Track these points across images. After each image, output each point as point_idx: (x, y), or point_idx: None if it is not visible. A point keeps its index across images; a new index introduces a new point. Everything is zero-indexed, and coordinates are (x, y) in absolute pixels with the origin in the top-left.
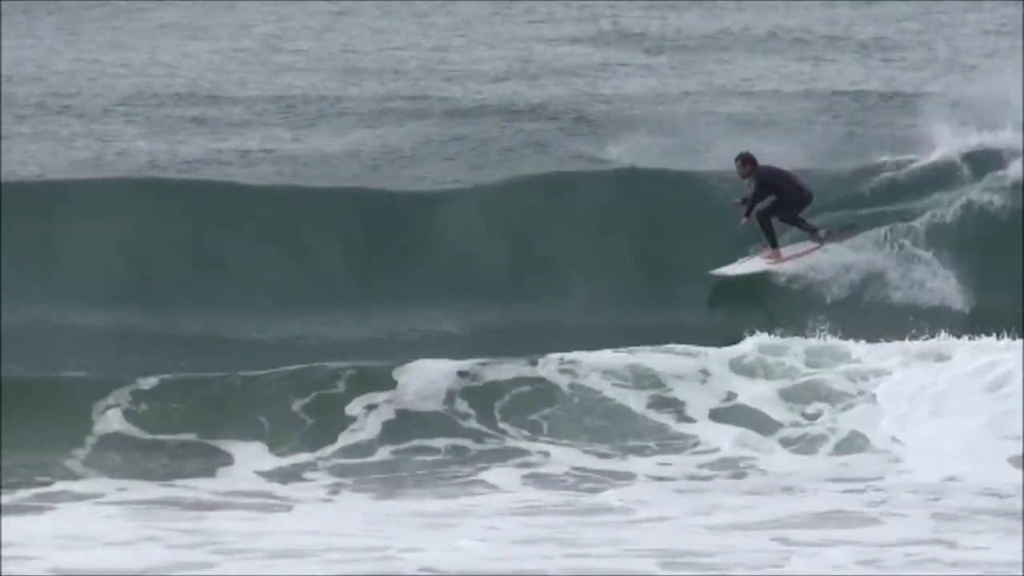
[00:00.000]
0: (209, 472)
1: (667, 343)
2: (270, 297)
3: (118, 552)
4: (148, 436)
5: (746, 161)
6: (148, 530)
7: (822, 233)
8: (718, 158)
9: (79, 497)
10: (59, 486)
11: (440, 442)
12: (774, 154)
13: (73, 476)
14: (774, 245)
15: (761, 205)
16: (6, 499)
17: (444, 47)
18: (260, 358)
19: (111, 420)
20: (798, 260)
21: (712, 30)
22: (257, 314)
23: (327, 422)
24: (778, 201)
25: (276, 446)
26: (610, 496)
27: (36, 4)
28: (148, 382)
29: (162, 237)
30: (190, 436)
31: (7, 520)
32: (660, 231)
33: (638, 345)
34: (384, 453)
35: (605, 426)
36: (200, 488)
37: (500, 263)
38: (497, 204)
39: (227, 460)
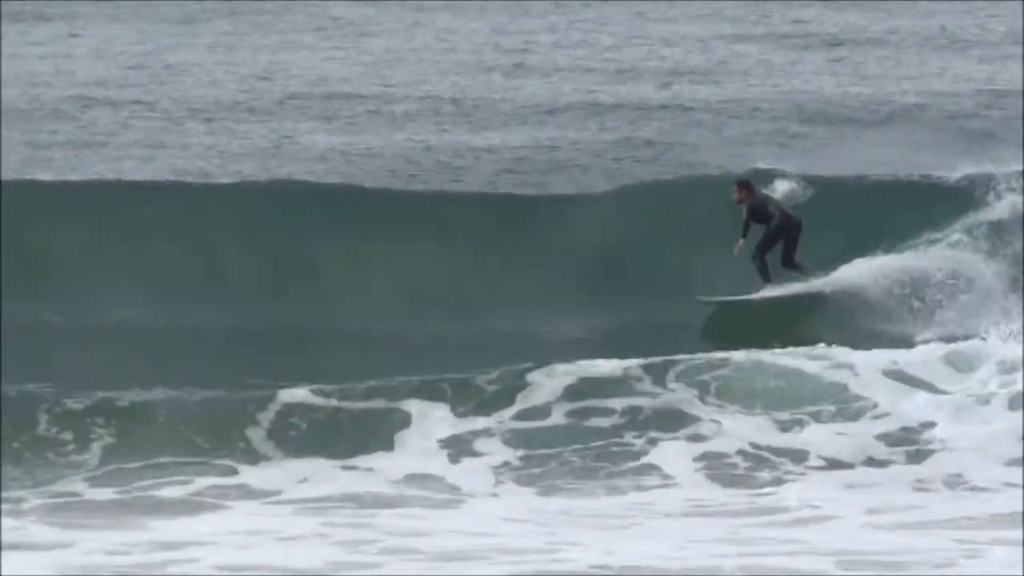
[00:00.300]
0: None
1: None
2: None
3: (287, 549)
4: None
5: (741, 187)
6: (319, 526)
7: (815, 273)
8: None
9: (252, 492)
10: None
11: (616, 402)
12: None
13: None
14: (767, 280)
15: (759, 247)
16: (176, 494)
17: (621, 44)
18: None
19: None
20: (783, 290)
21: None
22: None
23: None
24: (767, 230)
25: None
26: (786, 493)
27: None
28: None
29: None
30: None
31: (179, 518)
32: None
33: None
34: (558, 416)
35: (780, 387)
36: (375, 468)
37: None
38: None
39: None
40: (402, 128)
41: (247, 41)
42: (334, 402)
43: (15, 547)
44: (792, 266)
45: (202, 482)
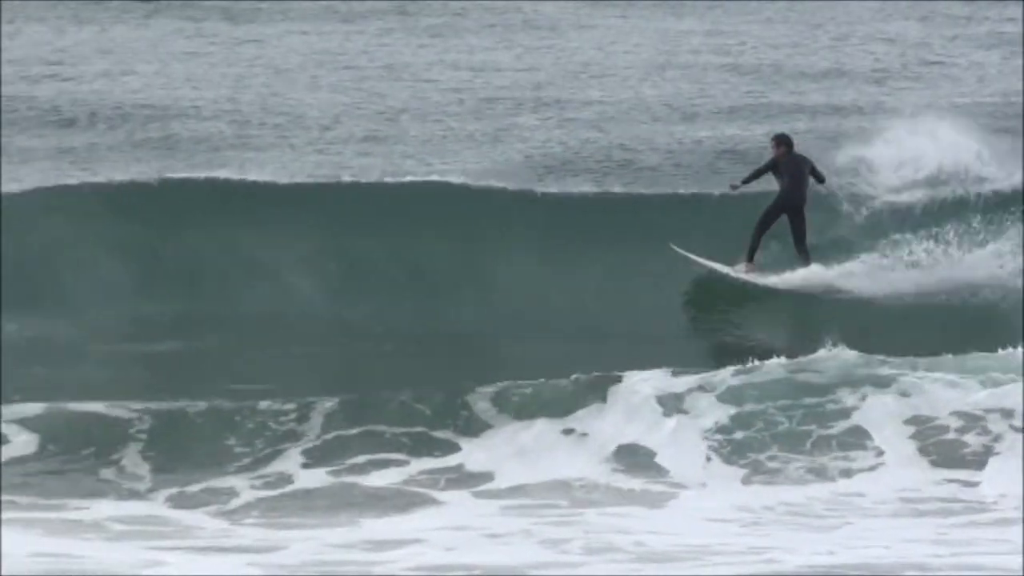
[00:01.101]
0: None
1: None
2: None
3: (492, 546)
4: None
5: (779, 143)
6: (525, 523)
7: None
8: None
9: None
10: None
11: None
12: None
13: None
14: (750, 259)
15: (765, 216)
16: (392, 480)
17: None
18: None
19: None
20: (761, 279)
21: None
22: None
23: None
24: (770, 203)
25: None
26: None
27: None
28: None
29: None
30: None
31: (388, 516)
32: None
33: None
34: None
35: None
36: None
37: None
38: None
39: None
40: (604, 129)
41: (461, 42)
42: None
43: (224, 549)
44: (800, 250)
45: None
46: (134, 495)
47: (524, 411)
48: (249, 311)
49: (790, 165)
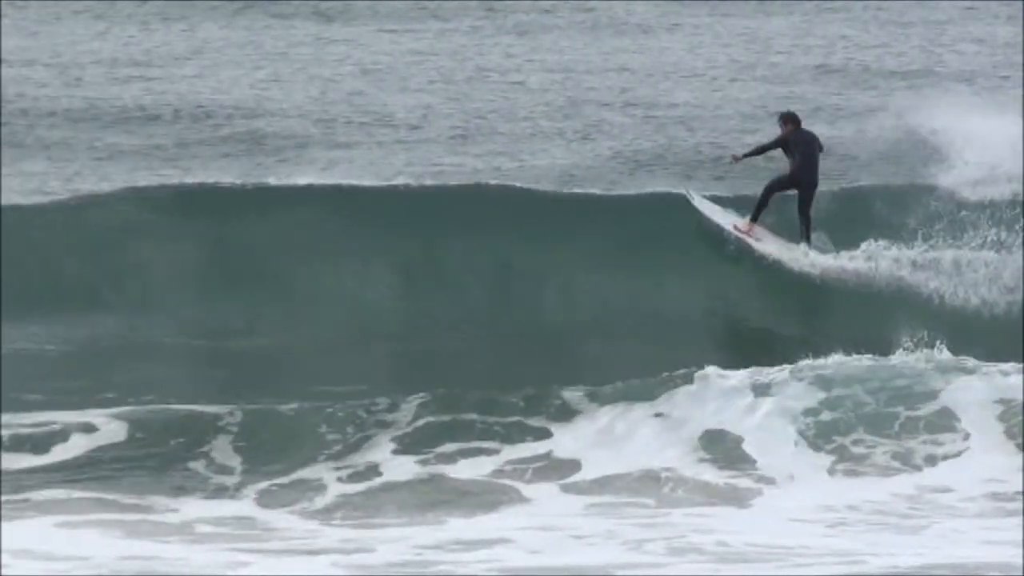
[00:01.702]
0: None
1: None
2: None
3: (577, 547)
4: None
5: (787, 120)
6: (609, 524)
7: (809, 245)
8: None
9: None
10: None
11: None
12: None
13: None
14: (754, 219)
15: (775, 180)
16: (481, 471)
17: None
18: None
19: None
20: (755, 243)
21: None
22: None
23: None
24: (796, 170)
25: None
26: None
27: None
28: None
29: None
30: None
31: (475, 514)
32: None
33: None
34: None
35: None
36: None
37: None
38: None
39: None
40: (692, 128)
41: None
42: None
43: (310, 551)
44: (802, 222)
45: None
46: (222, 492)
47: (612, 399)
48: (333, 309)
49: (800, 143)
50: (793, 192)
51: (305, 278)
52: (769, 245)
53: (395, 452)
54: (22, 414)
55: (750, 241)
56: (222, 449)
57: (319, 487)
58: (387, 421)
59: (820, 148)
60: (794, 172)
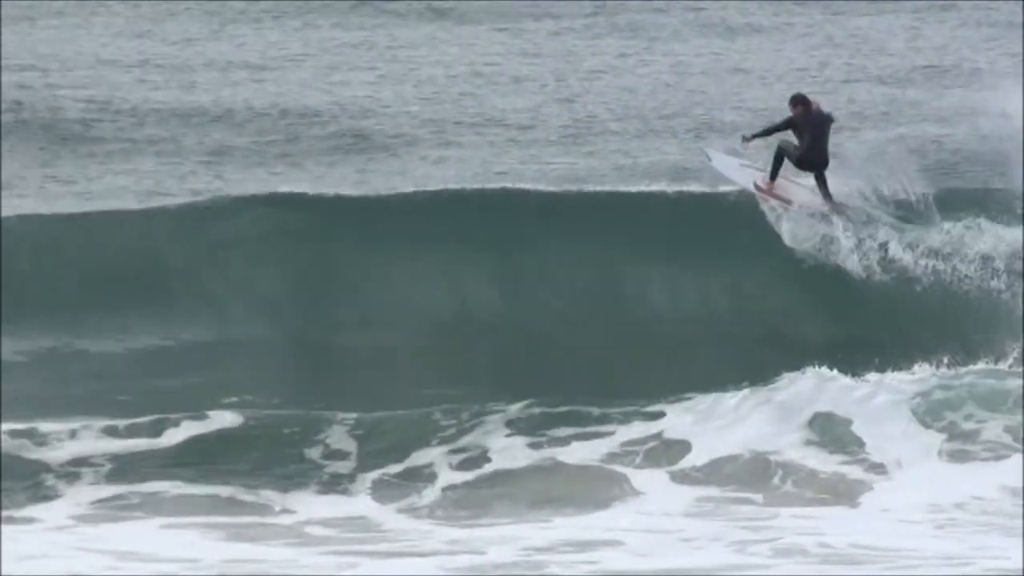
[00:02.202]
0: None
1: None
2: None
3: (685, 550)
4: None
5: (796, 102)
6: (716, 525)
7: (834, 204)
8: None
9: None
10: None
11: None
12: None
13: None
14: (772, 178)
15: (788, 143)
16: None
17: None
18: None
19: None
20: (781, 204)
21: None
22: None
23: None
24: (798, 148)
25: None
26: None
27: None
28: None
29: None
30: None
31: (586, 512)
32: None
33: None
34: None
35: None
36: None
37: None
38: None
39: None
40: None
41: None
42: None
43: (420, 553)
44: (828, 200)
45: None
46: (334, 486)
47: (722, 382)
48: (435, 313)
49: (809, 124)
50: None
51: (407, 279)
52: (797, 196)
53: (508, 436)
54: (136, 417)
55: (774, 202)
56: (335, 441)
57: (430, 476)
58: (497, 410)
59: (831, 121)
60: (803, 154)
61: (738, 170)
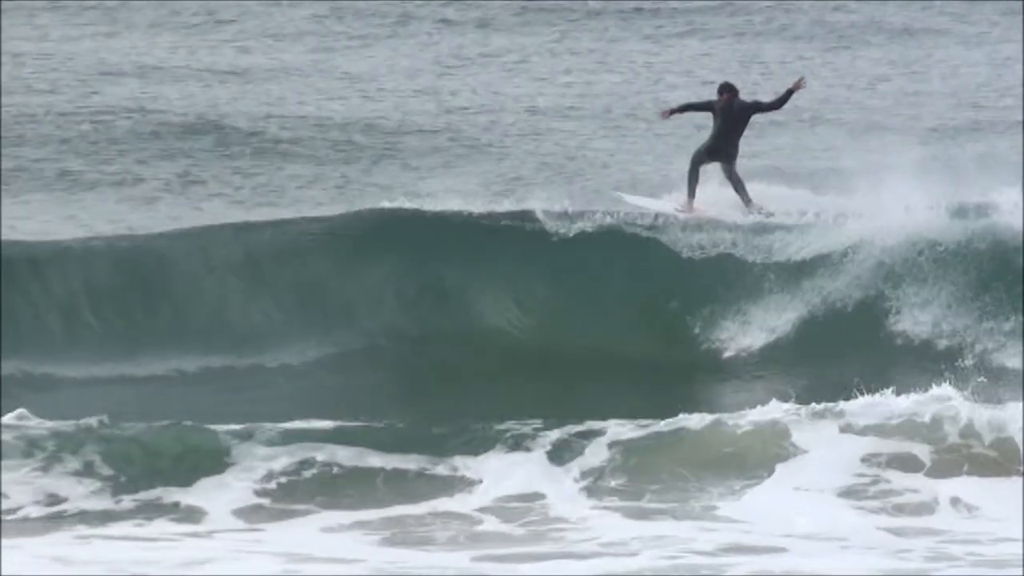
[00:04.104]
0: None
1: None
2: None
3: (842, 554)
4: None
5: (723, 90)
6: (871, 522)
7: (754, 205)
8: None
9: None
10: None
11: None
12: None
13: None
14: (690, 196)
15: (699, 149)
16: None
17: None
18: None
19: None
20: (702, 215)
21: None
22: None
23: None
24: (713, 138)
25: None
26: None
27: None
28: None
29: None
30: None
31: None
32: None
33: None
34: None
35: None
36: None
37: None
38: None
39: None
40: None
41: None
42: None
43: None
44: (733, 184)
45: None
46: (463, 488)
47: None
48: (491, 331)
49: (724, 112)
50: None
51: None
52: (715, 210)
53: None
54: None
55: (690, 214)
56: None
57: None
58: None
59: (762, 107)
60: (712, 140)
61: (654, 202)
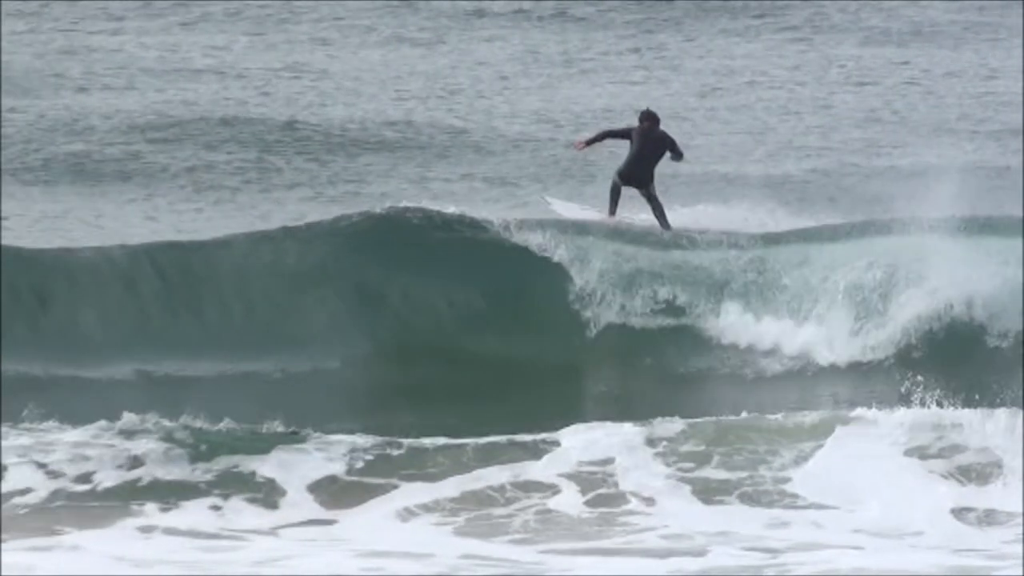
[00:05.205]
0: None
1: None
2: None
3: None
4: None
5: (643, 117)
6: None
7: (672, 231)
8: None
9: None
10: None
11: None
12: None
13: None
14: (611, 212)
15: (620, 170)
16: None
17: None
18: None
19: None
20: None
21: None
22: None
23: None
24: (628, 163)
25: None
26: None
27: None
28: None
29: None
30: None
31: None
32: None
33: None
34: None
35: None
36: None
37: None
38: None
39: None
40: None
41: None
42: None
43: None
44: (652, 208)
45: None
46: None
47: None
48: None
49: (640, 140)
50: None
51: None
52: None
53: None
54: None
55: (608, 221)
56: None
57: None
58: None
59: (674, 152)
60: (626, 165)
61: (578, 212)
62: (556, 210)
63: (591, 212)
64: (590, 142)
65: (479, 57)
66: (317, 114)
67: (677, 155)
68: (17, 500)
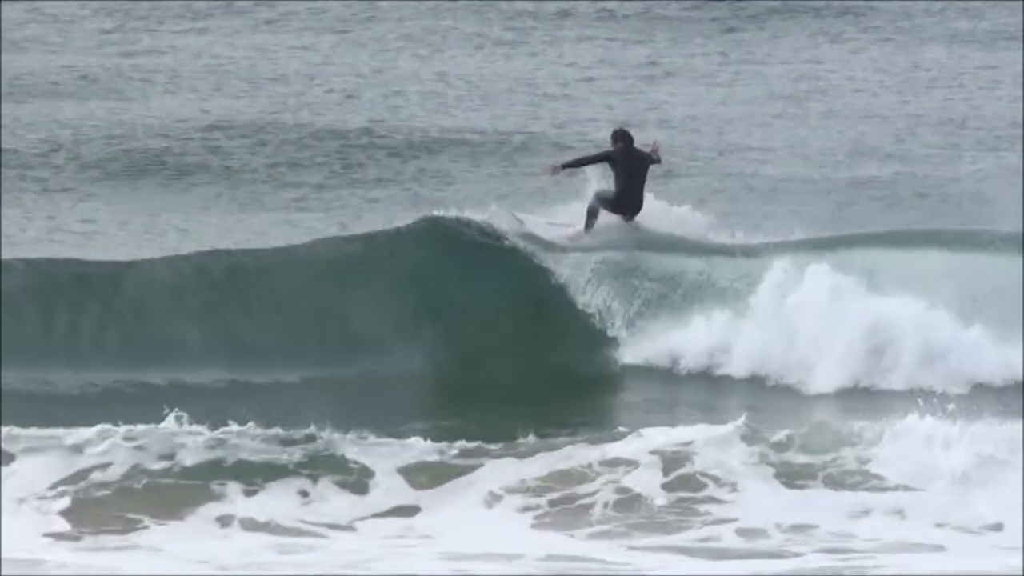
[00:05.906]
0: None
1: None
2: None
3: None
4: None
5: (617, 137)
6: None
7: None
8: None
9: None
10: None
11: None
12: None
13: None
14: (587, 228)
15: (603, 193)
16: None
17: None
18: None
19: None
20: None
21: None
22: None
23: None
24: (620, 191)
25: None
26: None
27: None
28: None
29: None
30: None
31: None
32: None
33: None
34: None
35: None
36: None
37: None
38: None
39: None
40: None
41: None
42: None
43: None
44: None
45: None
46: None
47: None
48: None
49: (627, 163)
50: None
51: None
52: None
53: None
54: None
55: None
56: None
57: None
58: None
59: (655, 161)
60: (617, 194)
61: (548, 228)
62: (526, 227)
63: (560, 228)
64: (566, 166)
65: (565, 58)
66: (398, 117)
67: (657, 161)
68: (97, 476)
